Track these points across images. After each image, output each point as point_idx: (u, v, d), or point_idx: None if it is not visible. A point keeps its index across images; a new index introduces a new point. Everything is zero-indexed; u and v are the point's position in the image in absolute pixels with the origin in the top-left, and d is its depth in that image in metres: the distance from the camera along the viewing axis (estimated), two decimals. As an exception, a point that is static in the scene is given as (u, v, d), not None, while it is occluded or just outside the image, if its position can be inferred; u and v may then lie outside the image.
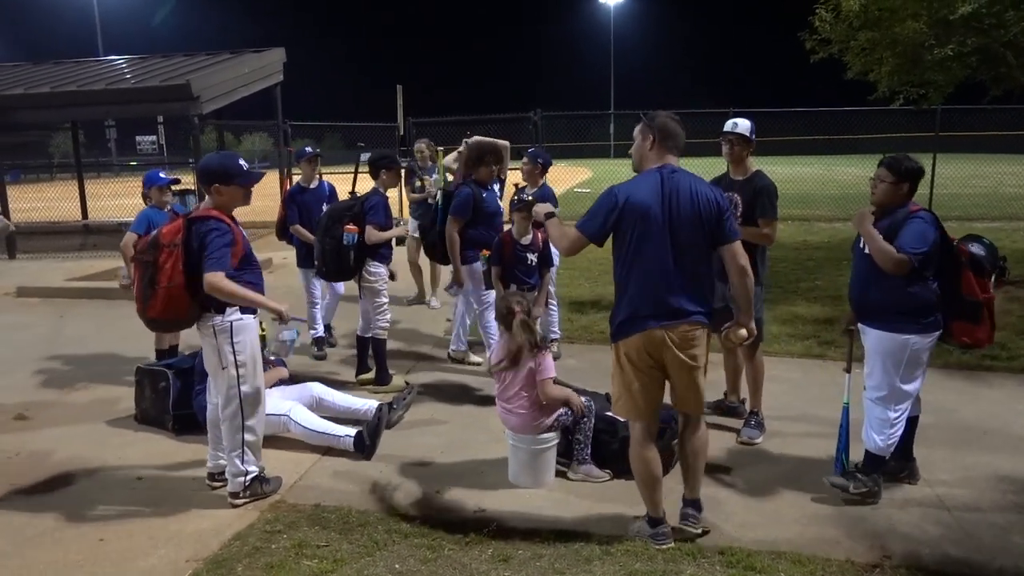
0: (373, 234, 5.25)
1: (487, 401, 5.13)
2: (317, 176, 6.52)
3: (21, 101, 12.08)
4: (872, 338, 3.64)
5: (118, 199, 13.61)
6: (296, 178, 6.95)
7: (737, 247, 3.23)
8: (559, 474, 3.97)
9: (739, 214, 4.31)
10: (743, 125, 4.35)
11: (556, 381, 3.96)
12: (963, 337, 3.60)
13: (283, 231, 6.52)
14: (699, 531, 3.33)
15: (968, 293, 3.52)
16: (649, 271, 3.12)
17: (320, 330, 6.38)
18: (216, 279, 3.50)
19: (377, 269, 5.38)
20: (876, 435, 3.63)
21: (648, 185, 3.13)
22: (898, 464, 3.89)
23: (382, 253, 5.39)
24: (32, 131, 26.08)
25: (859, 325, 3.76)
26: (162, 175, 5.66)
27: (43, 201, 15.57)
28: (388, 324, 5.50)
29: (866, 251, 3.59)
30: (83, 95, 11.89)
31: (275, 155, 16.56)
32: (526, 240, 5.18)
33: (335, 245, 5.21)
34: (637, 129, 3.29)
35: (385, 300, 5.44)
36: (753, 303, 3.40)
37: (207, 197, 3.73)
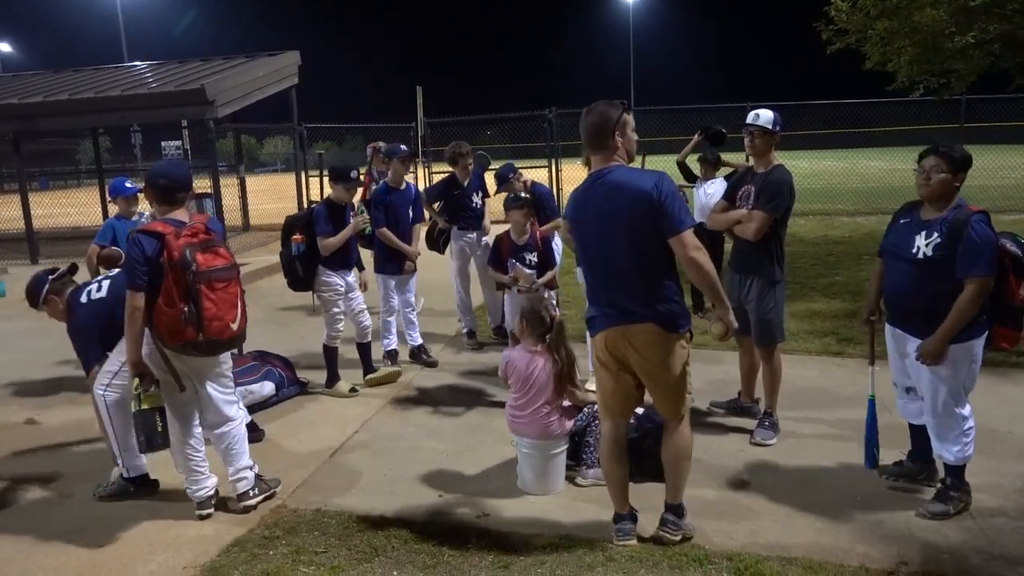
0: (322, 245, 5.15)
1: (493, 405, 5.07)
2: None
3: (40, 109, 12.25)
4: None
5: (141, 203, 13.67)
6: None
7: (685, 238, 2.92)
8: (567, 479, 3.89)
9: (749, 206, 4.21)
10: (765, 116, 4.21)
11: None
12: (1003, 343, 3.40)
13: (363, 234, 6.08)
14: (677, 538, 3.21)
15: (1010, 298, 3.28)
16: (596, 275, 3.15)
17: (393, 342, 5.98)
18: None
19: (329, 279, 5.28)
20: (953, 446, 3.41)
21: (578, 194, 3.18)
22: (917, 467, 3.75)
23: (343, 260, 5.30)
24: (60, 139, 26.51)
25: (901, 333, 3.53)
26: (128, 184, 5.59)
27: (69, 207, 15.80)
28: (337, 334, 5.40)
29: (919, 256, 3.33)
30: (100, 101, 12.02)
31: (293, 158, 16.64)
32: (523, 240, 5.11)
33: (288, 256, 5.21)
34: None
35: (337, 311, 5.35)
36: (723, 294, 3.14)
37: (167, 207, 3.53)
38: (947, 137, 14.04)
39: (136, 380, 3.44)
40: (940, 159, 3.31)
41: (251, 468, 3.72)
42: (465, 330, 6.70)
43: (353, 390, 5.41)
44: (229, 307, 3.39)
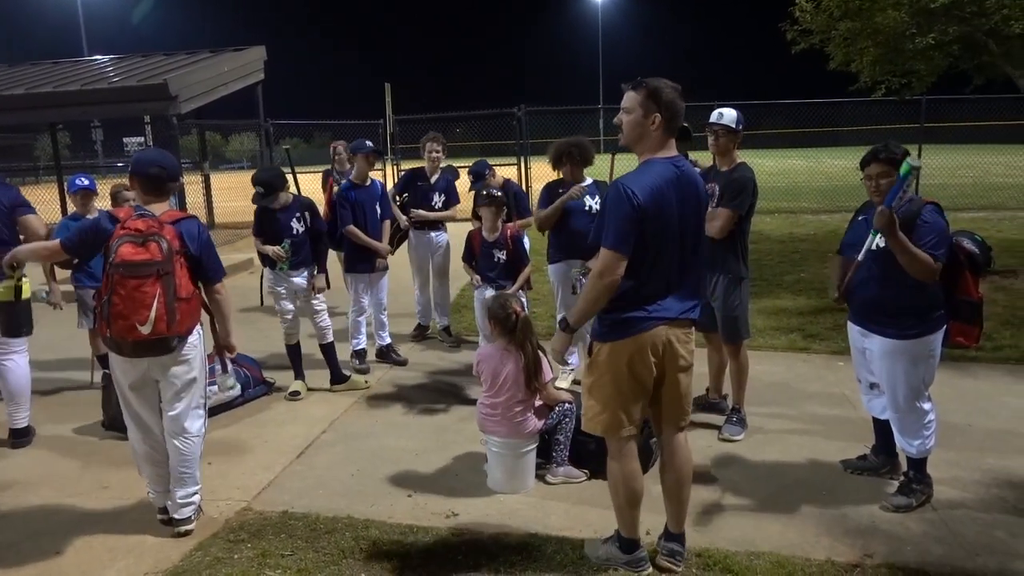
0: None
1: (462, 403, 5.05)
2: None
3: (-5, 103, 11.89)
4: (888, 346, 3.42)
5: (102, 201, 13.30)
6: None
7: None
8: (537, 477, 3.88)
9: (714, 204, 4.25)
10: (728, 115, 4.26)
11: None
12: (959, 337, 3.46)
13: (331, 234, 5.85)
14: (681, 569, 3.02)
15: (965, 294, 3.38)
16: (664, 270, 2.83)
17: (362, 342, 5.90)
18: (225, 289, 3.53)
19: (268, 275, 5.30)
20: (915, 439, 3.47)
21: (665, 179, 2.76)
22: (881, 461, 3.82)
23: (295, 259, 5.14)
24: (16, 134, 25.79)
25: (861, 329, 3.58)
26: (79, 181, 5.37)
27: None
28: (287, 332, 5.33)
29: (873, 247, 3.39)
30: (59, 96, 11.70)
31: (260, 155, 16.41)
32: (493, 237, 5.09)
33: None
34: (635, 99, 2.80)
35: (279, 308, 5.27)
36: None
37: (150, 197, 3.34)
38: (907, 137, 14.36)
39: (11, 269, 3.52)
40: (884, 165, 3.35)
41: (198, 493, 3.51)
42: (416, 322, 6.67)
43: (294, 392, 5.29)
44: (138, 307, 3.09)
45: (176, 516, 3.44)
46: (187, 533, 3.42)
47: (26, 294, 4.20)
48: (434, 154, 6.36)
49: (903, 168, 3.20)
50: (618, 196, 2.73)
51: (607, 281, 2.76)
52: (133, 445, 3.52)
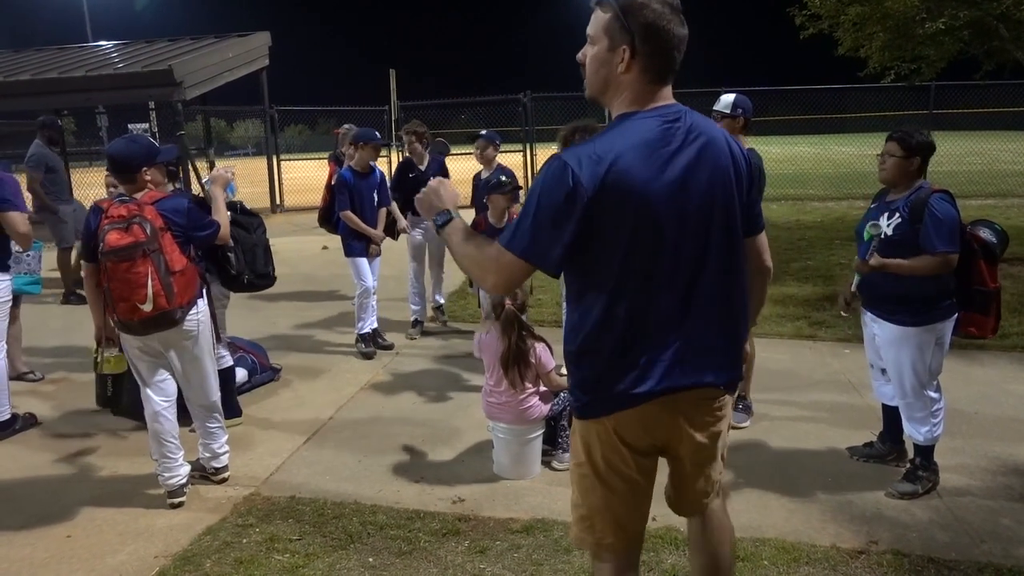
0: None
1: (468, 390, 5.06)
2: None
3: (1, 89, 11.90)
4: (896, 333, 3.42)
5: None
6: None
7: (766, 240, 2.08)
8: (543, 463, 3.90)
9: None
10: (724, 101, 4.25)
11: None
12: (971, 328, 3.44)
13: (327, 217, 6.17)
14: None
15: (980, 284, 3.35)
16: (653, 302, 1.76)
17: (366, 324, 5.94)
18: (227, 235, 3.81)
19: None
20: (922, 426, 3.47)
21: (643, 145, 1.72)
22: (887, 448, 3.82)
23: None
24: (22, 120, 25.73)
25: (869, 315, 3.59)
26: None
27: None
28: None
29: (880, 235, 3.40)
30: (64, 82, 11.74)
31: (264, 141, 16.39)
32: (502, 224, 5.08)
33: None
34: (599, 23, 1.78)
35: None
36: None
37: (123, 187, 3.45)
38: (916, 123, 14.25)
39: (95, 344, 3.63)
40: (895, 144, 3.39)
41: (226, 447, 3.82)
42: (412, 318, 6.57)
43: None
44: (135, 288, 3.24)
45: (216, 465, 3.78)
46: (226, 480, 3.78)
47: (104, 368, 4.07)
48: (414, 144, 6.32)
49: (867, 234, 3.44)
50: (546, 173, 1.75)
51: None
52: (146, 416, 3.63)
